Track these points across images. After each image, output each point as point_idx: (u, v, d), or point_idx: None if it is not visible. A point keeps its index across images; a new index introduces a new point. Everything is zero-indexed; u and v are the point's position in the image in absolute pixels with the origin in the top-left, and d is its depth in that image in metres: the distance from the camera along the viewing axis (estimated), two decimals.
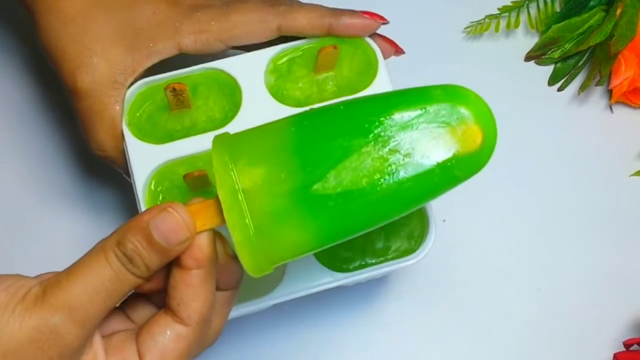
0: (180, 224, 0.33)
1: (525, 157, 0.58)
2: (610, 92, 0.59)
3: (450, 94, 0.35)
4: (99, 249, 0.33)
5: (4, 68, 0.59)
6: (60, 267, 0.34)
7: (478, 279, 0.55)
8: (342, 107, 0.35)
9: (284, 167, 0.34)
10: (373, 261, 0.45)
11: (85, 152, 0.56)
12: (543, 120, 0.59)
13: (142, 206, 0.44)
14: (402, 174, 0.34)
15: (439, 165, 0.34)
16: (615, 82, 0.57)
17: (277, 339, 0.52)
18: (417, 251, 0.45)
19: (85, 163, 0.56)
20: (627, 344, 0.52)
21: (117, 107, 0.46)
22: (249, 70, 0.47)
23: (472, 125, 0.35)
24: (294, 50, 0.48)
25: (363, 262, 0.45)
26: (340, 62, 0.48)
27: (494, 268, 0.55)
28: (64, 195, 0.56)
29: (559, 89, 0.60)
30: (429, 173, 0.34)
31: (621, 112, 0.60)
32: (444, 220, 0.55)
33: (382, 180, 0.33)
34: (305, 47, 0.48)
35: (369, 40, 0.48)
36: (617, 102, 0.59)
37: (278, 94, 0.47)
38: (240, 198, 0.33)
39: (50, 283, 0.32)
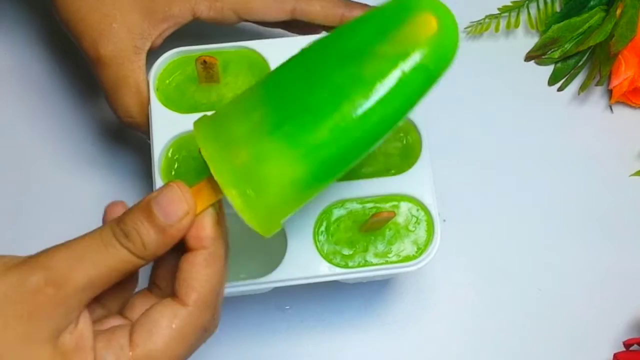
0: (179, 196, 0.33)
1: (525, 157, 0.58)
2: (610, 92, 0.59)
3: None
4: (96, 228, 0.33)
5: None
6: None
7: (478, 278, 0.55)
8: (301, 52, 0.36)
9: (260, 114, 0.34)
10: (374, 261, 0.45)
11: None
12: (543, 121, 0.59)
13: (157, 172, 0.45)
14: (375, 84, 0.34)
15: (406, 61, 0.34)
16: (615, 82, 0.57)
17: (278, 339, 0.52)
18: (419, 258, 0.45)
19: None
20: (627, 344, 0.52)
21: (141, 72, 0.47)
22: (282, 54, 0.47)
23: (422, 13, 0.35)
24: None
25: (363, 261, 0.45)
26: None
27: (494, 268, 0.55)
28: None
29: (559, 89, 0.60)
30: (401, 73, 0.34)
31: (621, 112, 0.60)
32: (444, 220, 0.55)
33: (357, 96, 0.34)
34: None
35: None
36: (617, 102, 0.59)
37: None
38: (225, 156, 0.34)
39: (36, 253, 0.32)
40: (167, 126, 0.46)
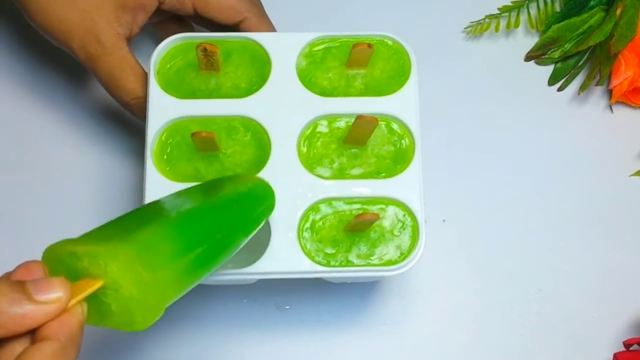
0: (59, 282, 0.30)
1: (525, 157, 0.58)
2: (610, 92, 0.59)
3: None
4: None
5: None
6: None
7: (478, 278, 0.55)
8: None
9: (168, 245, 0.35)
10: (356, 262, 0.45)
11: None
12: (543, 121, 0.59)
13: (150, 154, 0.45)
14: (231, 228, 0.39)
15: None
16: (615, 82, 0.57)
17: (277, 339, 0.52)
18: (401, 264, 0.45)
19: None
20: (627, 344, 0.52)
21: (130, 55, 0.49)
22: (284, 49, 0.48)
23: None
24: (332, 39, 0.49)
25: (345, 261, 0.45)
26: (374, 62, 0.48)
27: (494, 268, 0.55)
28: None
29: (559, 89, 0.60)
30: (247, 223, 0.40)
31: (621, 112, 0.60)
32: (444, 220, 0.55)
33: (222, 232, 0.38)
34: (344, 39, 0.49)
35: (407, 48, 0.49)
36: (617, 102, 0.59)
37: (306, 79, 0.48)
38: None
39: None
40: (164, 110, 0.46)
